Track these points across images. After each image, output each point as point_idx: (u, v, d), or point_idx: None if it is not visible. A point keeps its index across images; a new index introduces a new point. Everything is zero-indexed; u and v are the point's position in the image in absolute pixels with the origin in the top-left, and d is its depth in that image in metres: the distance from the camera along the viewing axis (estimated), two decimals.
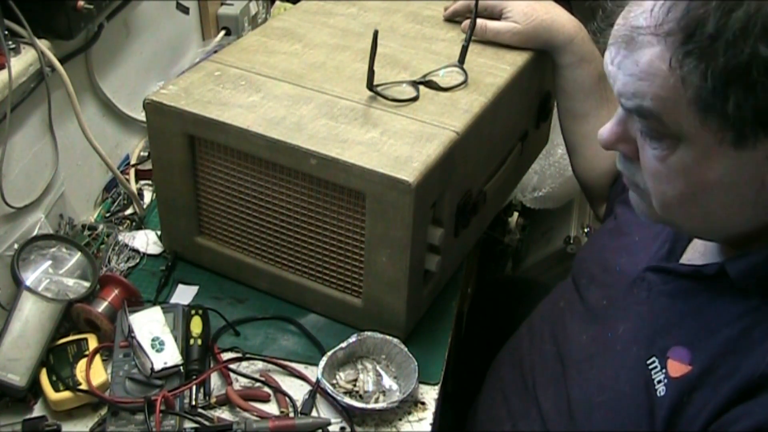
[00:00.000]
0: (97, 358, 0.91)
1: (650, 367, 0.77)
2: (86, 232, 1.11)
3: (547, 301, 1.04)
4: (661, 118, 0.66)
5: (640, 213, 0.78)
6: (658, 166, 0.69)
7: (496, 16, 1.12)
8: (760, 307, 0.71)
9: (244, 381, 0.92)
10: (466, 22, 1.11)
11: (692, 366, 0.73)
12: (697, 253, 0.82)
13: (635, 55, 0.66)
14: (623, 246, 0.92)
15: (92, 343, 0.93)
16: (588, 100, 1.12)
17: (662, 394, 0.74)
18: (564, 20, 1.10)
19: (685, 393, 0.72)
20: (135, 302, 0.98)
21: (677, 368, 0.74)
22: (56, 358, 0.91)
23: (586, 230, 1.71)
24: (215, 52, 1.15)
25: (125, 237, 1.11)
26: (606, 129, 0.74)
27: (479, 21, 1.09)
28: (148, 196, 1.23)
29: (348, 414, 0.88)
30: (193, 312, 0.96)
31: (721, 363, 0.71)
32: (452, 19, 1.17)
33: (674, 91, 0.64)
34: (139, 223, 1.17)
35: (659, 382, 0.75)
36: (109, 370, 0.90)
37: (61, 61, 1.02)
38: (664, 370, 0.75)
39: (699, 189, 0.68)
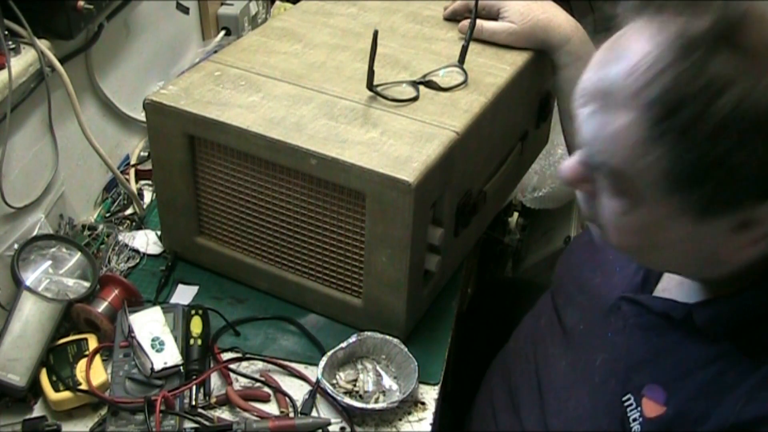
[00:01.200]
0: (97, 358, 0.91)
1: (626, 404, 0.75)
2: (86, 232, 1.12)
3: (530, 317, 1.04)
4: (624, 179, 0.64)
5: (603, 244, 0.75)
6: (619, 219, 0.67)
7: (494, 15, 1.12)
8: (731, 352, 0.70)
9: (244, 381, 0.92)
10: (465, 22, 1.11)
11: (666, 407, 0.72)
12: (673, 281, 0.80)
13: (609, 116, 0.63)
14: (599, 264, 0.90)
15: (92, 343, 0.93)
16: None
17: None
18: (561, 20, 1.09)
19: None
20: (135, 302, 0.98)
21: (652, 408, 0.73)
22: (56, 358, 0.91)
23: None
24: (215, 52, 1.16)
25: (125, 237, 1.10)
26: (567, 167, 0.70)
27: (476, 22, 1.09)
28: (148, 196, 1.23)
29: (348, 414, 0.88)
30: (193, 312, 0.96)
31: (694, 407, 0.70)
32: (452, 18, 1.17)
33: (644, 162, 0.61)
34: (139, 223, 1.17)
35: (634, 420, 0.74)
36: (109, 370, 0.90)
37: (61, 61, 1.02)
38: (639, 409, 0.74)
39: (656, 245, 0.67)
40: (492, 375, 1.05)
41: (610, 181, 0.66)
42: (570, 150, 1.19)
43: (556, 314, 0.95)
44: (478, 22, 1.09)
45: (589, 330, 0.86)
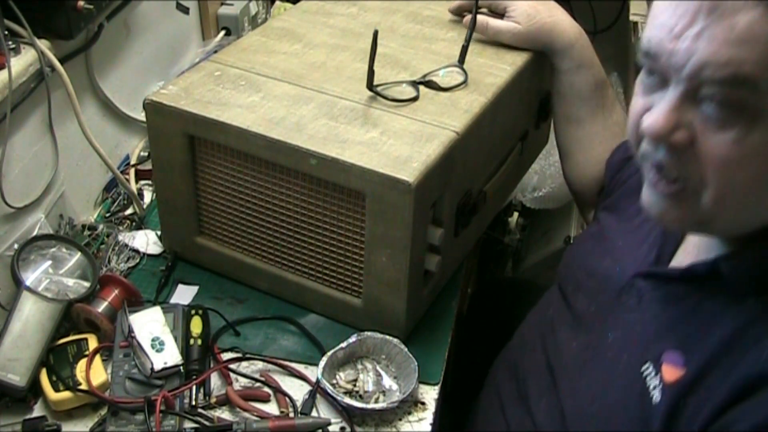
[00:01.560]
0: (97, 358, 0.91)
1: (644, 373, 0.75)
2: (86, 232, 1.12)
3: (536, 310, 1.04)
4: (757, 87, 0.61)
5: (668, 220, 0.73)
6: (731, 150, 0.64)
7: (500, 12, 1.11)
8: (755, 306, 0.70)
9: (244, 381, 0.92)
10: (468, 17, 1.11)
11: (686, 369, 0.72)
12: (689, 255, 0.80)
13: (728, 21, 0.61)
14: (606, 250, 0.90)
15: (92, 343, 0.93)
16: (585, 106, 1.11)
17: (657, 400, 0.72)
18: (566, 25, 1.09)
19: (680, 397, 0.71)
20: (135, 302, 0.98)
21: (671, 373, 0.73)
22: (56, 358, 0.91)
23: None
24: (215, 52, 1.16)
25: (125, 237, 1.11)
26: (660, 115, 0.66)
27: (481, 18, 1.09)
28: (148, 196, 1.23)
29: (348, 414, 0.88)
30: (193, 312, 0.96)
31: (715, 365, 0.70)
32: (457, 13, 1.17)
33: None
34: (139, 223, 1.17)
35: (654, 387, 0.73)
36: (109, 370, 0.90)
37: (61, 61, 1.02)
38: (658, 375, 0.73)
39: (762, 176, 0.65)
40: (497, 371, 1.05)
41: (730, 101, 0.63)
42: (563, 154, 1.18)
43: (564, 302, 0.95)
44: (484, 18, 1.09)
45: (599, 311, 0.86)
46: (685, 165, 0.68)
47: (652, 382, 0.74)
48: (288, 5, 1.57)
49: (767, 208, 0.69)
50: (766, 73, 0.61)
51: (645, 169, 0.74)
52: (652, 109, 0.68)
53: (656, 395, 0.73)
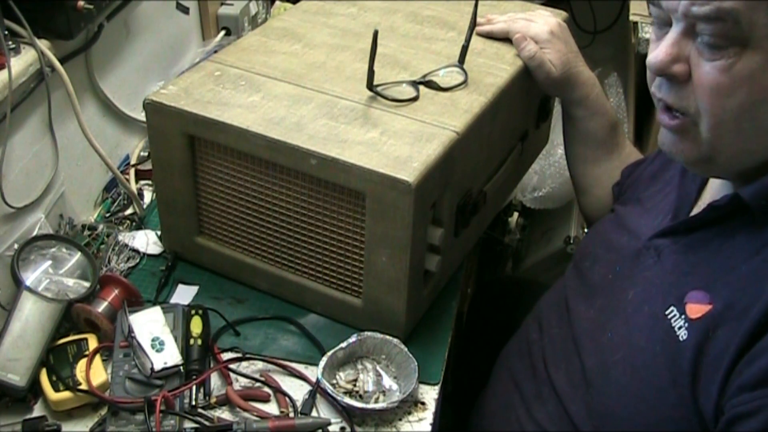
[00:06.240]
0: (97, 358, 0.91)
1: (669, 316, 0.77)
2: (86, 232, 1.12)
3: (550, 293, 1.05)
4: (738, 19, 0.67)
5: (676, 152, 0.79)
6: (720, 78, 0.70)
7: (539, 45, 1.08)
8: None
9: (244, 381, 0.92)
10: (500, 27, 1.11)
11: (712, 304, 0.74)
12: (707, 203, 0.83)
13: None
14: (624, 228, 0.94)
15: (92, 343, 0.93)
16: (600, 148, 1.13)
17: (685, 337, 0.75)
18: (585, 76, 1.09)
19: (708, 330, 0.73)
20: (135, 302, 0.98)
21: (696, 310, 0.75)
22: (56, 358, 0.91)
23: (585, 230, 1.71)
24: (215, 52, 1.15)
25: (125, 237, 1.11)
26: (660, 51, 0.74)
27: (531, 46, 1.07)
28: (148, 196, 1.23)
29: (348, 414, 0.88)
30: (193, 312, 0.96)
31: (741, 296, 0.72)
32: (486, 37, 1.14)
33: None
34: (139, 223, 1.17)
35: (680, 327, 0.76)
36: (109, 370, 0.90)
37: (61, 61, 1.02)
38: (683, 316, 0.76)
39: (760, 98, 0.70)
40: (507, 355, 1.06)
41: (717, 32, 0.69)
42: (579, 191, 1.19)
43: (580, 279, 0.97)
44: (534, 45, 1.07)
45: (616, 277, 0.89)
46: (684, 99, 0.75)
47: (677, 323, 0.76)
48: (288, 5, 1.57)
49: (765, 139, 0.73)
50: (744, 8, 0.67)
51: (657, 111, 0.80)
52: (657, 47, 0.75)
53: (683, 333, 0.75)
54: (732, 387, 0.69)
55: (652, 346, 0.78)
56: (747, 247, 0.74)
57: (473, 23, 1.06)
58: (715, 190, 0.85)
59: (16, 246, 0.96)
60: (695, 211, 0.86)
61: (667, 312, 0.78)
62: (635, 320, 0.81)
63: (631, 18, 1.68)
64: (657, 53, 0.74)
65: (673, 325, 0.76)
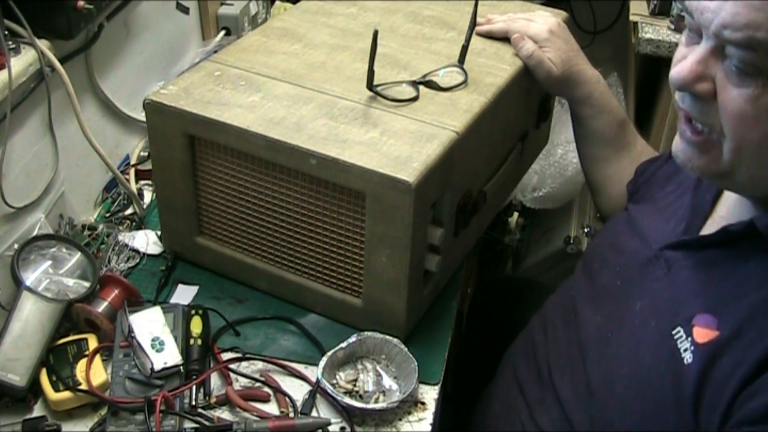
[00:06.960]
0: (97, 358, 0.91)
1: (675, 336, 0.76)
2: (86, 232, 1.12)
3: (557, 294, 1.05)
4: (763, 53, 0.65)
5: (693, 168, 0.76)
6: (745, 107, 0.68)
7: (538, 45, 1.08)
8: None
9: (244, 381, 0.92)
10: (499, 26, 1.11)
11: (719, 331, 0.73)
12: (718, 226, 0.81)
13: None
14: (635, 231, 0.93)
15: (92, 343, 0.93)
16: (609, 147, 1.12)
17: (689, 361, 0.74)
18: (588, 75, 1.08)
19: (714, 358, 0.72)
20: (135, 302, 0.98)
21: (703, 334, 0.74)
22: (56, 358, 0.91)
23: (586, 230, 1.71)
24: (215, 52, 1.16)
25: (125, 237, 1.11)
26: (684, 67, 0.71)
27: (529, 45, 1.07)
28: (148, 196, 1.23)
29: (348, 414, 0.88)
30: (193, 312, 0.96)
31: (750, 326, 0.71)
32: (486, 36, 1.14)
33: None
34: (139, 223, 1.17)
35: (685, 350, 0.75)
36: (109, 370, 0.90)
37: (61, 61, 1.02)
38: (689, 338, 0.75)
39: None
40: (513, 356, 1.05)
41: (747, 62, 0.66)
42: (594, 190, 1.18)
43: (589, 281, 0.96)
44: (532, 44, 1.07)
45: (625, 284, 0.88)
46: (708, 116, 0.72)
47: (683, 344, 0.75)
48: (288, 5, 1.57)
49: None
50: None
51: (678, 118, 0.78)
52: (683, 60, 0.73)
53: (688, 356, 0.74)
54: (733, 419, 0.69)
55: (657, 364, 0.77)
56: (759, 275, 0.73)
57: (473, 23, 1.06)
58: (730, 205, 0.84)
59: (16, 246, 0.96)
60: (709, 223, 0.84)
61: (674, 332, 0.77)
62: (642, 335, 0.81)
63: (631, 18, 1.68)
64: (681, 69, 0.71)
65: (679, 346, 0.75)
